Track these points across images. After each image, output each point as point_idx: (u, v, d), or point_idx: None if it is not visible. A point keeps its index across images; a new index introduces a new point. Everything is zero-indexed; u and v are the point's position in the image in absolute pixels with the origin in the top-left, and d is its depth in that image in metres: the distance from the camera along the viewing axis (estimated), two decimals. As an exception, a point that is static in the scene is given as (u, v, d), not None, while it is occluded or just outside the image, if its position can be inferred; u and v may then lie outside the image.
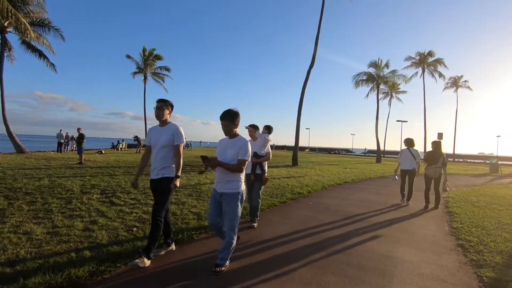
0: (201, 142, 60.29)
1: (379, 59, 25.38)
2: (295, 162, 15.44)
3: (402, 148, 6.84)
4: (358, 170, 14.74)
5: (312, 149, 69.91)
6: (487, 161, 45.64)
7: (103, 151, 20.94)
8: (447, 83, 42.68)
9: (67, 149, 22.06)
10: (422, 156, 6.81)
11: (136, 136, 24.00)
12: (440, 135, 22.97)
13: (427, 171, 6.34)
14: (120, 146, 28.46)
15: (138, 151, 23.04)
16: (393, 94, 47.35)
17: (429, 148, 6.63)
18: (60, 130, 21.04)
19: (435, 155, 6.24)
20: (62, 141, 20.81)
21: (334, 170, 14.22)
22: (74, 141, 22.77)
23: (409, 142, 6.64)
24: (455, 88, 43.38)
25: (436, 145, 6.37)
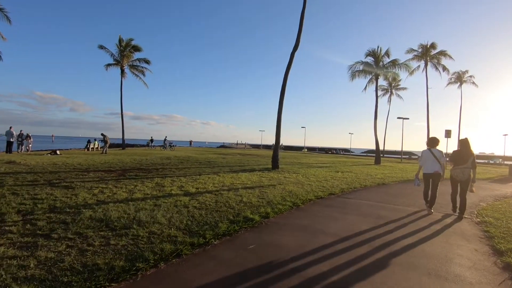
0: (191, 142, 57.18)
1: (378, 47, 22.57)
2: (275, 164, 12.57)
3: (423, 150, 5.89)
4: (353, 175, 11.93)
5: (312, 149, 66.93)
6: (491, 161, 43.37)
7: (58, 152, 18.08)
8: (451, 78, 40.08)
9: (22, 149, 19.21)
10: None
11: (103, 134, 21.04)
12: (448, 133, 20.22)
13: (453, 172, 5.50)
14: (91, 146, 25.53)
15: (104, 152, 20.17)
16: (393, 91, 44.69)
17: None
18: (10, 128, 18.26)
19: (463, 155, 5.39)
20: (12, 140, 18.01)
21: (322, 174, 11.43)
22: (30, 140, 19.97)
23: (432, 142, 5.78)
24: (459, 83, 40.79)
25: (464, 143, 5.51)
